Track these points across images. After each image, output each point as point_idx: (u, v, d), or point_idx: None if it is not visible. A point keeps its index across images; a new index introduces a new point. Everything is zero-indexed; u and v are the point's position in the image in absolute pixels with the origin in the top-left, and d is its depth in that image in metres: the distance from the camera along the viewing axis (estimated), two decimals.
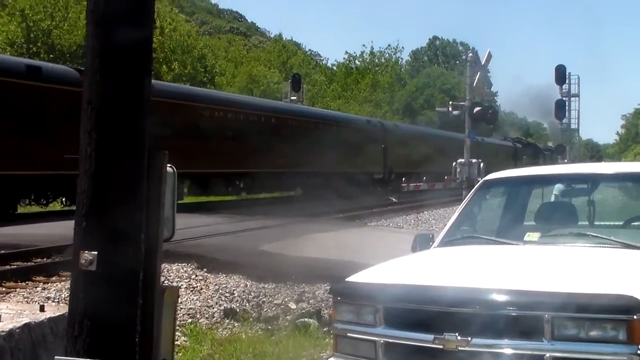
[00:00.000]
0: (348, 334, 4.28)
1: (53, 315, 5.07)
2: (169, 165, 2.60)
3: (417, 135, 40.58)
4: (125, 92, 2.48)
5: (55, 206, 22.16)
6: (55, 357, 2.45)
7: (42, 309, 5.52)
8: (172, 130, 21.46)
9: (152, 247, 2.54)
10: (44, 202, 21.02)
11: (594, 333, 3.55)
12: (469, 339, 3.73)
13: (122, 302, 2.46)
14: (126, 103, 2.47)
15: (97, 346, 2.44)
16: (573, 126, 40.36)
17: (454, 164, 21.28)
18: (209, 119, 25.18)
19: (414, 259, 5.03)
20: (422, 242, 5.44)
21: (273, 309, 9.19)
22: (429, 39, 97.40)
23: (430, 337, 3.84)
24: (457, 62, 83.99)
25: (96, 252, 2.42)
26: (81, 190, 2.48)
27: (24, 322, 5.01)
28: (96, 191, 2.45)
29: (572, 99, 38.42)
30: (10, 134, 17.58)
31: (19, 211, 20.66)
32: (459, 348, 3.75)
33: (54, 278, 10.55)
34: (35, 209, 21.77)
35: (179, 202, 25.40)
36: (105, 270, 2.43)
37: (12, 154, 17.60)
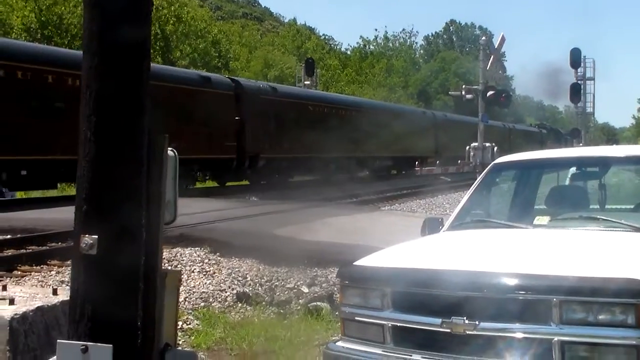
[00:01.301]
0: (356, 318, 4.29)
1: (66, 298, 5.08)
2: (170, 148, 2.59)
3: (461, 123, 44.63)
4: (124, 75, 2.46)
5: (68, 190, 22.46)
6: (58, 340, 2.46)
7: (55, 292, 5.56)
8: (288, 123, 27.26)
9: (153, 231, 2.53)
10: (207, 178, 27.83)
11: (602, 317, 3.53)
12: (477, 322, 3.72)
13: (123, 286, 2.46)
14: (125, 86, 2.46)
15: (98, 330, 2.44)
16: (589, 110, 40.11)
17: (467, 147, 21.18)
18: (312, 113, 30.31)
19: (422, 243, 5.01)
20: (432, 226, 5.42)
21: (285, 292, 9.20)
22: (446, 23, 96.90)
23: (438, 320, 3.83)
24: (473, 46, 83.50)
25: (97, 236, 2.42)
26: (81, 173, 2.47)
27: (37, 305, 5.06)
28: (96, 175, 2.45)
29: (588, 82, 38.16)
30: (188, 127, 22.80)
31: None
32: (467, 332, 3.75)
33: (68, 262, 10.58)
34: (52, 193, 21.94)
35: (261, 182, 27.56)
36: (106, 254, 2.42)
37: (190, 143, 21.92)
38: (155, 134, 2.49)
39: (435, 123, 41.31)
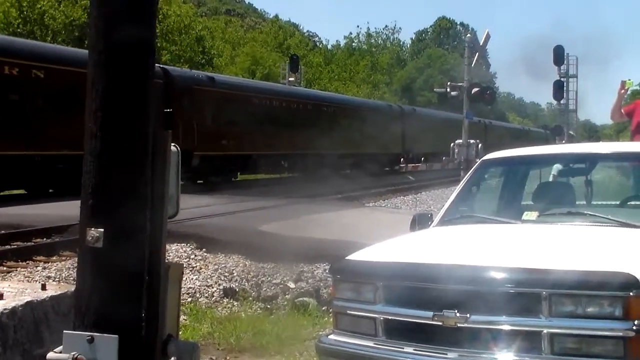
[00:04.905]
0: (348, 311, 4.34)
1: (55, 293, 5.10)
2: (173, 144, 2.63)
3: (506, 129, 59.84)
4: (129, 71, 2.51)
5: None
6: (64, 331, 2.50)
7: (43, 287, 5.55)
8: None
9: (157, 225, 2.57)
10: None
11: (590, 310, 3.61)
12: (468, 315, 3.78)
13: (128, 278, 2.50)
14: (131, 82, 2.51)
15: (104, 321, 2.49)
16: (571, 107, 40.44)
17: (451, 144, 21.31)
18: (436, 123, 42.25)
19: (413, 238, 5.08)
20: (421, 221, 5.48)
21: (272, 288, 9.23)
22: (438, 18, 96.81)
23: (430, 314, 3.89)
24: (458, 43, 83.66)
25: (102, 230, 2.46)
26: (87, 169, 2.52)
27: (26, 300, 5.05)
28: (102, 170, 2.49)
29: (571, 79, 38.49)
30: (382, 135, 34.26)
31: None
32: (458, 325, 3.81)
33: (54, 258, 10.63)
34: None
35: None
36: (112, 247, 2.47)
37: (382, 145, 36.18)
38: (159, 129, 2.54)
39: (486, 130, 49.78)
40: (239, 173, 30.82)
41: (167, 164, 2.59)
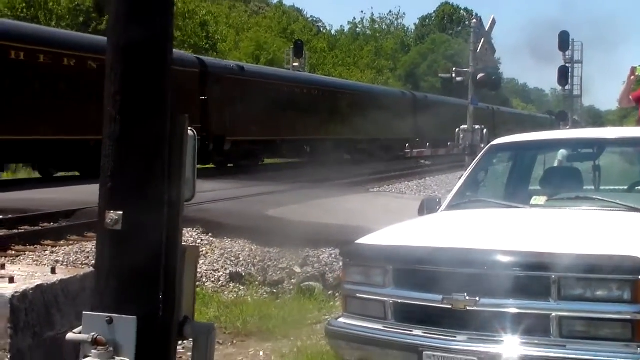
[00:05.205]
0: (357, 295, 4.38)
1: (64, 277, 5.13)
2: (189, 128, 2.67)
3: (513, 115, 62.41)
4: (147, 56, 2.54)
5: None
6: (84, 312, 2.55)
7: (53, 271, 5.58)
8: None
9: (174, 208, 2.61)
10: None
11: (599, 293, 3.64)
12: (477, 299, 3.82)
13: (145, 260, 2.54)
14: (149, 67, 2.54)
15: (122, 303, 2.54)
16: (576, 93, 40.34)
17: (457, 130, 21.26)
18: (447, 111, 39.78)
19: (422, 222, 5.11)
20: (430, 206, 5.51)
21: (278, 272, 9.27)
22: (441, 3, 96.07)
23: (439, 297, 3.93)
24: (462, 28, 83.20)
25: (121, 212, 2.50)
26: (106, 153, 2.56)
27: (36, 284, 5.08)
28: (121, 153, 2.53)
29: (575, 65, 38.38)
30: (394, 119, 35.15)
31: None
32: (467, 308, 3.85)
33: (61, 242, 10.69)
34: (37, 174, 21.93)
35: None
36: (130, 230, 2.51)
37: (396, 129, 36.77)
38: (176, 113, 2.57)
39: (494, 116, 51.46)
40: (265, 157, 32.25)
41: (184, 148, 2.62)
